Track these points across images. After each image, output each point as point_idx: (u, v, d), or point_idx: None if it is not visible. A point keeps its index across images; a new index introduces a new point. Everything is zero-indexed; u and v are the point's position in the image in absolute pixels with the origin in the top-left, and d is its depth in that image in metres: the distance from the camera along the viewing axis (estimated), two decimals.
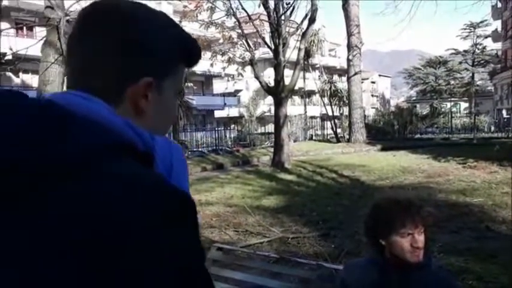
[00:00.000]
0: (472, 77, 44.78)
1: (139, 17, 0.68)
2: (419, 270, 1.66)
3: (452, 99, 45.75)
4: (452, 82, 48.74)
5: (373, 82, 59.85)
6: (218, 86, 35.33)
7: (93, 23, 0.67)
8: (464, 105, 45.10)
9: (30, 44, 6.87)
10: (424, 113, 31.14)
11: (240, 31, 15.30)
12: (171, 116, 0.75)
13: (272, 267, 3.18)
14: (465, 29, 43.12)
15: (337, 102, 28.05)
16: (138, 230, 0.51)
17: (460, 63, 45.78)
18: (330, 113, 26.62)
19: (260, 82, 14.72)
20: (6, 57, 12.86)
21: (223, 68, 18.14)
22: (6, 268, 0.51)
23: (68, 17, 8.81)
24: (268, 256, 3.64)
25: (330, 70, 39.45)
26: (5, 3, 16.80)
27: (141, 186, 0.55)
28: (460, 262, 4.45)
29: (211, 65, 18.03)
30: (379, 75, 65.78)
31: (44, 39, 6.18)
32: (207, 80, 33.20)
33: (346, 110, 24.97)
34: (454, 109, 38.99)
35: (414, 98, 52.17)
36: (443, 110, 35.52)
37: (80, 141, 0.55)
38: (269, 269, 3.15)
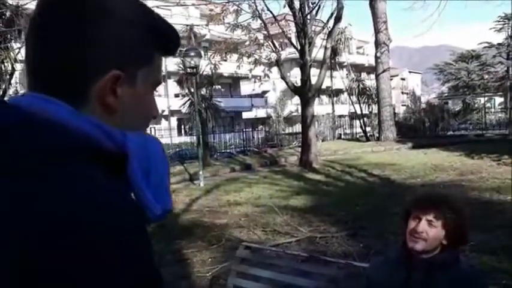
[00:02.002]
0: (507, 70, 43.08)
1: (101, 7, 0.60)
2: (445, 268, 1.66)
3: (486, 94, 44.23)
4: (486, 77, 47.12)
5: (402, 79, 58.59)
6: (245, 88, 35.54)
7: (50, 16, 0.59)
8: (499, 100, 43.50)
9: None
10: (457, 109, 30.30)
11: (265, 32, 15.38)
12: (149, 110, 0.67)
13: (301, 266, 3.21)
14: (499, 21, 41.57)
15: (365, 100, 27.68)
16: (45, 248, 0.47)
17: (494, 56, 44.14)
18: (359, 112, 26.31)
19: (286, 83, 14.75)
20: None
21: (250, 70, 18.28)
22: None
23: None
24: (298, 255, 3.66)
25: (357, 68, 38.95)
26: None
27: (71, 195, 0.50)
28: (492, 261, 4.35)
29: (238, 66, 18.21)
30: (409, 72, 64.39)
31: None
32: (234, 82, 33.47)
33: (375, 108, 24.62)
34: (488, 104, 37.65)
35: (446, 94, 50.71)
36: (476, 105, 34.42)
37: (24, 146, 0.52)
38: (298, 267, 3.18)
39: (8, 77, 11.42)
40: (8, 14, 10.38)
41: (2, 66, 11.02)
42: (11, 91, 13.26)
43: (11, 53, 10.67)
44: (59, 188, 0.50)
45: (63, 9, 0.59)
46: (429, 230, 1.64)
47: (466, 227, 1.70)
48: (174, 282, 4.54)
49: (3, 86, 11.43)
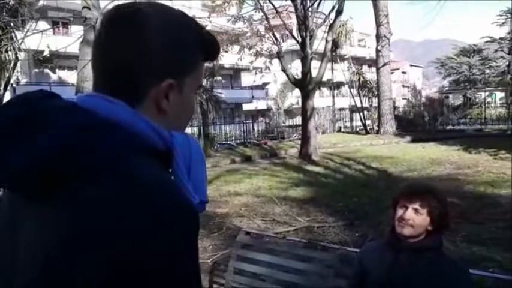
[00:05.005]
0: (509, 65, 42.98)
1: (159, 22, 0.69)
2: (427, 252, 1.82)
3: (487, 89, 44.14)
4: (487, 71, 46.95)
5: (404, 72, 58.60)
6: (246, 79, 35.47)
7: (115, 29, 0.68)
8: (500, 94, 43.38)
9: (68, 42, 7.14)
10: (457, 104, 30.37)
11: (267, 24, 15.43)
12: (190, 112, 0.77)
13: (299, 252, 3.36)
14: (502, 15, 41.36)
15: (366, 94, 27.78)
16: (133, 230, 0.56)
17: (496, 51, 43.95)
18: (359, 105, 26.41)
19: (287, 75, 14.83)
20: (44, 55, 13.49)
21: (251, 62, 18.34)
22: (32, 257, 0.59)
23: None
24: (297, 242, 3.80)
25: (359, 61, 38.96)
26: (42, 2, 17.45)
27: (147, 189, 0.59)
28: (482, 251, 4.52)
29: (240, 58, 18.27)
30: (411, 66, 64.38)
31: (82, 38, 6.53)
32: (235, 73, 33.43)
33: (375, 102, 24.71)
34: (489, 99, 37.61)
35: (447, 88, 50.69)
36: (477, 100, 34.48)
37: (101, 147, 0.60)
38: (297, 253, 3.32)
39: (11, 65, 11.54)
40: (11, 3, 10.46)
41: (6, 55, 11.14)
42: (12, 79, 13.38)
43: (15, 43, 10.76)
44: (135, 182, 0.59)
45: (123, 27, 0.69)
46: (416, 217, 1.80)
47: (448, 214, 1.86)
48: None
49: (7, 75, 11.56)
